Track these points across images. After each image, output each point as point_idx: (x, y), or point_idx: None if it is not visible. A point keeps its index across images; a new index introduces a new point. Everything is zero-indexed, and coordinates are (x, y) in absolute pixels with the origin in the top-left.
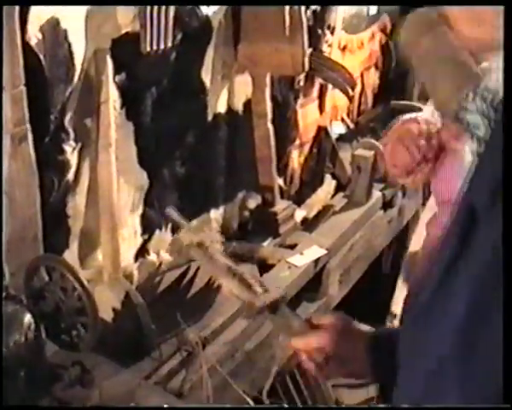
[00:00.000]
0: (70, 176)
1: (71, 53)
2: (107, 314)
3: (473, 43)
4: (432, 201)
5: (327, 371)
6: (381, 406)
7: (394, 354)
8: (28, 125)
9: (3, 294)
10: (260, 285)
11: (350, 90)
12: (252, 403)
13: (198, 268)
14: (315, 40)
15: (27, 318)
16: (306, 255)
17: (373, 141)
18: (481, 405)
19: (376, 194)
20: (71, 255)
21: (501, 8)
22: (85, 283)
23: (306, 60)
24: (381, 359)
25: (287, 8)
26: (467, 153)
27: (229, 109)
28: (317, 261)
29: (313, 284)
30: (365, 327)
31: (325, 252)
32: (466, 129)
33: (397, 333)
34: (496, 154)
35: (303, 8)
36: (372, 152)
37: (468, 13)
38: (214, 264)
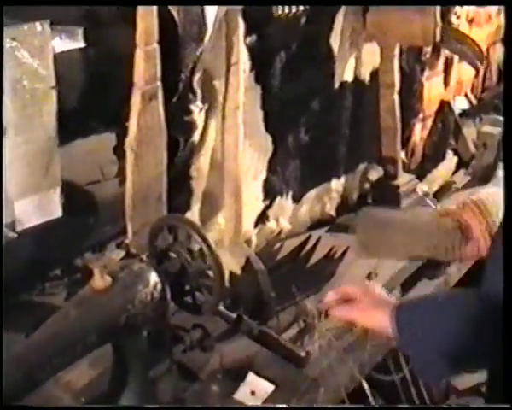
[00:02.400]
0: (196, 137)
1: (203, 12)
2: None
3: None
4: None
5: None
6: (381, 406)
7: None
8: (159, 83)
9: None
10: None
11: (478, 64)
12: (364, 383)
13: (319, 238)
14: (444, 11)
15: (153, 277)
16: None
17: (500, 117)
18: (481, 405)
19: (501, 173)
20: (192, 217)
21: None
22: (213, 245)
23: (438, 31)
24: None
25: None
26: None
27: (356, 78)
28: None
29: (432, 263)
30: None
31: None
32: None
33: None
34: None
35: None
36: (499, 129)
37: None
38: None
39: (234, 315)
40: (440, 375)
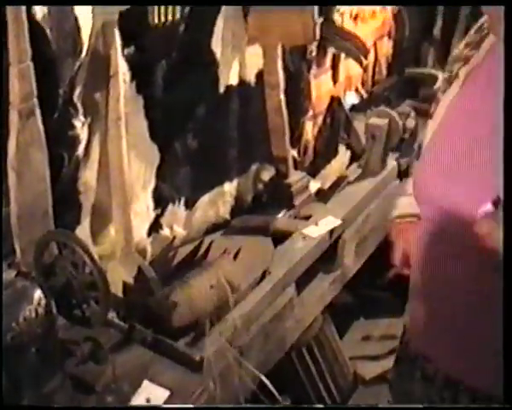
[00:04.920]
0: (80, 151)
1: (78, 27)
2: (120, 290)
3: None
4: None
5: None
6: (381, 406)
7: None
8: (36, 101)
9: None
10: None
11: (363, 59)
12: (265, 379)
13: (211, 242)
14: (326, 9)
15: (37, 293)
16: (321, 226)
17: (387, 109)
18: (481, 405)
19: (391, 163)
20: (83, 231)
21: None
22: (95, 256)
23: (317, 29)
24: None
25: None
26: None
27: (241, 81)
28: (332, 232)
29: (328, 255)
30: None
31: (340, 222)
32: None
33: None
34: None
35: None
36: (386, 120)
37: None
38: None
39: (126, 325)
40: None
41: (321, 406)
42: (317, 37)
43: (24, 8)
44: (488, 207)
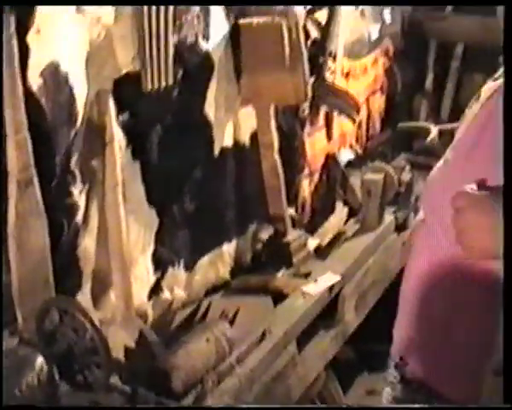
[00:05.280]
0: (79, 218)
1: (73, 96)
2: (122, 354)
3: None
4: None
5: None
6: (380, 406)
7: None
8: (33, 170)
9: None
10: None
11: (355, 115)
12: None
13: (210, 303)
14: (317, 68)
15: (39, 360)
16: (320, 283)
17: (382, 164)
18: (481, 405)
19: (389, 217)
20: (84, 297)
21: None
22: (96, 321)
23: (309, 88)
24: None
25: (286, 38)
26: None
27: (236, 142)
28: (331, 288)
29: (329, 312)
30: None
31: (339, 278)
32: None
33: None
34: None
35: (302, 37)
36: (381, 175)
37: None
38: None
39: (129, 389)
40: None
41: (322, 406)
42: (309, 96)
43: (19, 78)
44: (472, 186)
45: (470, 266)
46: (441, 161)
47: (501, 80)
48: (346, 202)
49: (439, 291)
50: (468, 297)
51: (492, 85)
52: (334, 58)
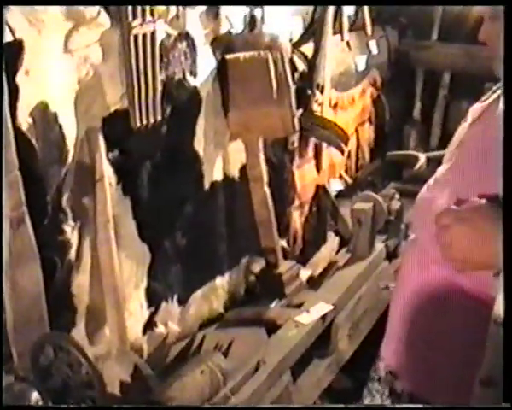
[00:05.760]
0: (72, 255)
1: (62, 135)
2: (117, 388)
3: None
4: None
5: None
6: (380, 406)
7: None
8: (25, 208)
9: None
10: None
11: (343, 146)
12: None
13: (203, 337)
14: (304, 100)
15: (34, 396)
16: (313, 313)
17: (371, 193)
18: (481, 405)
19: (379, 246)
20: (78, 333)
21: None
22: (90, 356)
23: (296, 121)
24: None
25: (272, 71)
26: None
27: (226, 176)
28: (324, 317)
29: (323, 341)
30: None
31: (331, 308)
32: None
33: None
34: None
35: (288, 70)
36: (371, 204)
37: None
38: None
39: None
40: None
41: (322, 406)
42: (297, 128)
43: (9, 118)
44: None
45: (459, 280)
46: (431, 180)
47: (487, 102)
48: (337, 232)
49: (428, 306)
50: (456, 311)
51: (479, 107)
52: (322, 90)
